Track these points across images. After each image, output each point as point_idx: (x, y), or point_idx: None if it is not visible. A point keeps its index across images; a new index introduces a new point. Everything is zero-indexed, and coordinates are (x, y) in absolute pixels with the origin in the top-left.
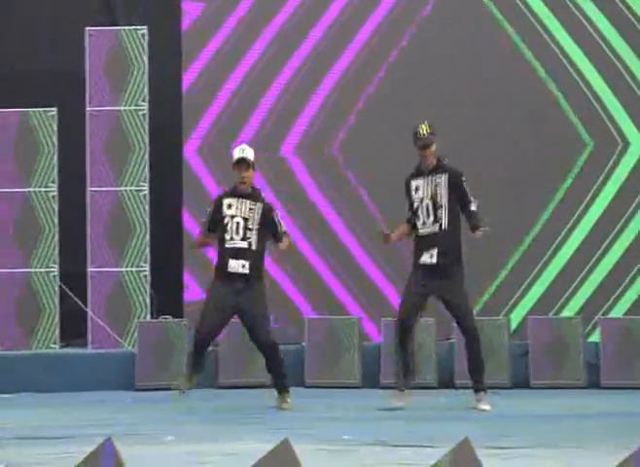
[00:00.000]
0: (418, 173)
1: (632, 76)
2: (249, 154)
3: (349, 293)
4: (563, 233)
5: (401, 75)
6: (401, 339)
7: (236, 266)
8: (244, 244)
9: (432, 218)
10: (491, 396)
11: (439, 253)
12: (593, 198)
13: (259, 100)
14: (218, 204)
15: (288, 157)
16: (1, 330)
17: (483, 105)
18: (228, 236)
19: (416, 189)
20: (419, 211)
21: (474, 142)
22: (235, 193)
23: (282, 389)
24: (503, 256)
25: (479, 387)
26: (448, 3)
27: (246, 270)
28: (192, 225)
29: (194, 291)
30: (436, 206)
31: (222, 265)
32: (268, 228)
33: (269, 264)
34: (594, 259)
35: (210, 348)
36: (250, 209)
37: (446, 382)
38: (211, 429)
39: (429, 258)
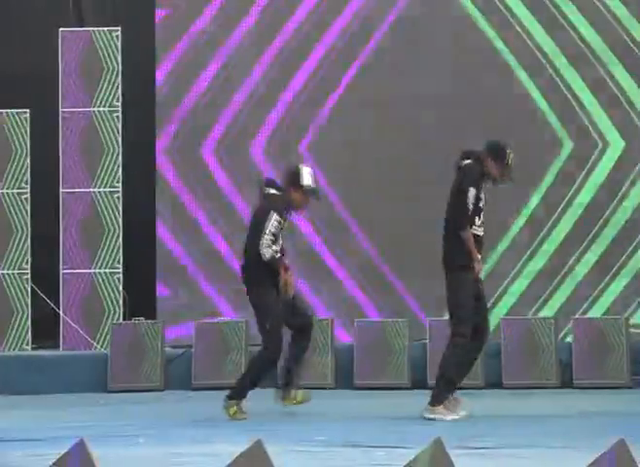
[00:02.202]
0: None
1: (611, 77)
2: None
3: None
4: (542, 234)
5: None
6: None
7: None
8: None
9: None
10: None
11: None
12: (572, 199)
13: (230, 101)
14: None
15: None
16: None
17: (461, 106)
18: (279, 247)
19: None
20: (482, 213)
21: (451, 143)
22: (287, 214)
23: (292, 383)
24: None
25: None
26: (421, 3)
27: None
28: (163, 228)
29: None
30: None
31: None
32: None
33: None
34: (573, 259)
35: None
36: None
37: (421, 383)
38: (185, 431)
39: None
